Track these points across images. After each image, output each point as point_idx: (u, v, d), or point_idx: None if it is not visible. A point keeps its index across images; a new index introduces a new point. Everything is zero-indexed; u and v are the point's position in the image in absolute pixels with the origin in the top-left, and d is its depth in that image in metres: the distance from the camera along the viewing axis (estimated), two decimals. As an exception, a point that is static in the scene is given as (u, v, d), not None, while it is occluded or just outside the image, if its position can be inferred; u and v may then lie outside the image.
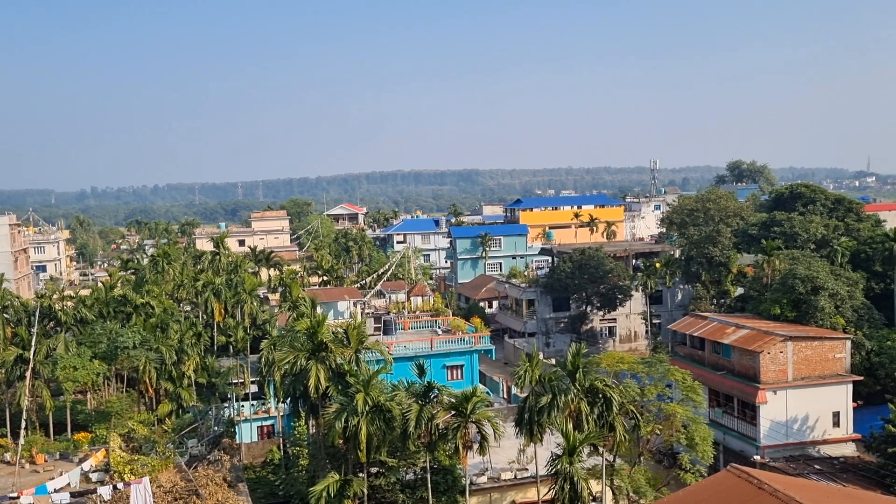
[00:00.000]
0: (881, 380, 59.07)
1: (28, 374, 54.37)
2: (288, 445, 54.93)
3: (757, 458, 51.07)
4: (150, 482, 43.64)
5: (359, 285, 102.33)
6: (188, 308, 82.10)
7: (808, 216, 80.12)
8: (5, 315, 62.13)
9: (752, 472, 26.35)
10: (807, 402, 53.39)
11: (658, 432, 47.85)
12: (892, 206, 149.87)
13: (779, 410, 52.81)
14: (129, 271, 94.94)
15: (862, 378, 55.97)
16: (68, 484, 45.83)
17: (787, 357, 53.74)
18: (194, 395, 60.93)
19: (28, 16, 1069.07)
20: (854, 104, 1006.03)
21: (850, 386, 54.12)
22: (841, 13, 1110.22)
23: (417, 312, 75.94)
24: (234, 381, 62.87)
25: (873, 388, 58.85)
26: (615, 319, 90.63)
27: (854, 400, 54.62)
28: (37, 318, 58.69)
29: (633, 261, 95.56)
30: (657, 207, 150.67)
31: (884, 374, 59.07)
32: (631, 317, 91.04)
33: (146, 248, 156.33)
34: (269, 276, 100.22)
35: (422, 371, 44.55)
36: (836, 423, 53.67)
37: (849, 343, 55.71)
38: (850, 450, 53.14)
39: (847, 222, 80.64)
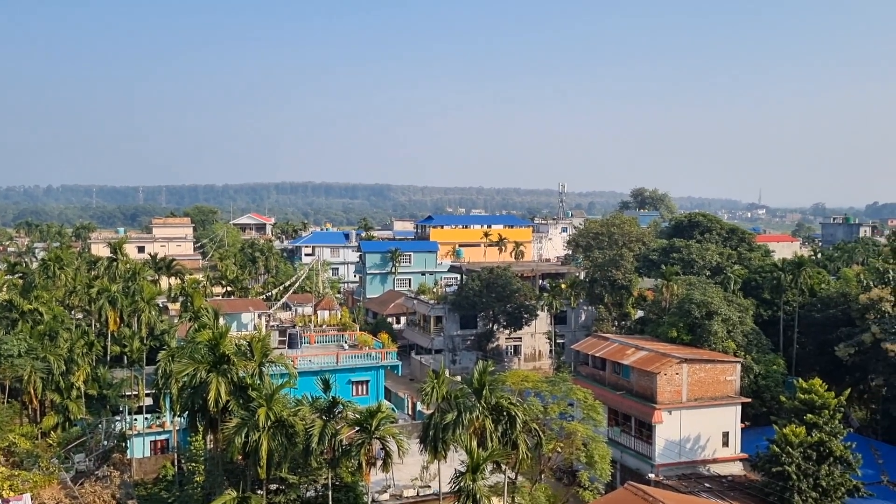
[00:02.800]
0: (767, 402, 62.30)
1: None
2: (183, 461, 52.83)
3: (651, 476, 52.69)
4: (32, 499, 41.17)
5: (264, 297, 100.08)
6: (80, 316, 78.24)
7: (705, 244, 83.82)
8: None
9: (647, 490, 27.26)
10: (699, 422, 55.61)
11: (559, 450, 48.72)
12: (780, 237, 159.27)
13: (673, 430, 54.76)
14: (17, 275, 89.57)
15: (750, 400, 58.88)
16: (-63, 501, 42.55)
17: (683, 378, 55.85)
18: (83, 408, 57.97)
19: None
20: (747, 138, 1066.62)
21: (739, 407, 56.76)
22: (735, 48, 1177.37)
23: (324, 326, 74.79)
24: (127, 394, 60.13)
25: (759, 409, 62.04)
26: (521, 338, 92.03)
27: (742, 421, 57.33)
28: None
29: (540, 281, 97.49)
30: (564, 230, 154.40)
31: (769, 396, 62.33)
32: (536, 336, 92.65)
33: (36, 251, 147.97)
34: (170, 284, 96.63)
35: (327, 386, 43.81)
36: (726, 443, 56.09)
37: (739, 366, 58.45)
38: (737, 469, 55.63)
39: (740, 251, 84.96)
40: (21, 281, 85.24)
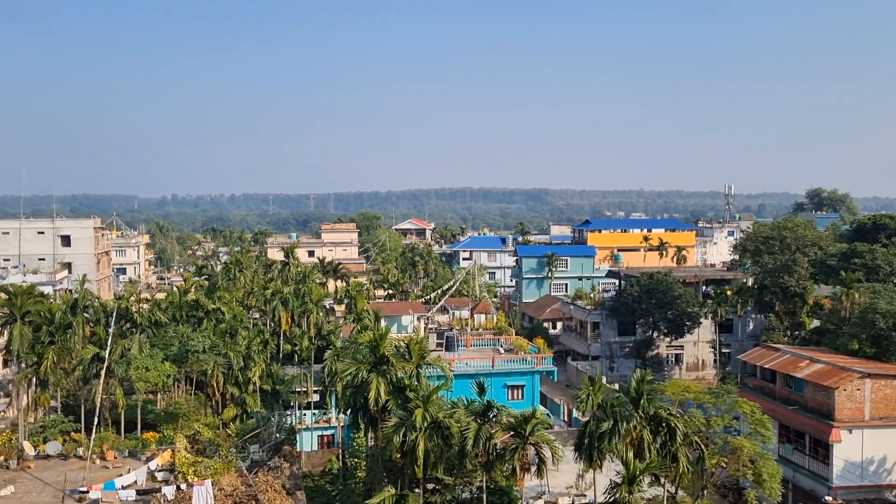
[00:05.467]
0: (967, 424, 55.87)
1: (103, 372, 56.42)
2: (347, 456, 55.40)
3: (828, 498, 48.98)
4: (213, 485, 44.59)
5: (423, 300, 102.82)
6: (257, 315, 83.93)
7: (892, 248, 76.96)
8: (85, 314, 64.71)
9: (821, 515, 25.31)
10: (885, 443, 50.98)
11: (723, 466, 46.45)
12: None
13: (854, 450, 50.55)
14: (203, 277, 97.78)
15: (946, 421, 53.10)
16: (135, 482, 47.19)
17: (865, 395, 51.45)
18: (258, 401, 62.13)
19: (120, 25, 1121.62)
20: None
21: (933, 429, 51.40)
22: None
23: (480, 330, 75.68)
24: (297, 390, 63.83)
25: (958, 432, 55.70)
26: (682, 347, 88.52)
27: (937, 444, 51.82)
28: (114, 318, 60.90)
29: (704, 287, 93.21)
30: (731, 233, 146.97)
31: (971, 418, 55.87)
32: (699, 345, 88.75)
33: (220, 255, 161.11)
34: (336, 287, 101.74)
35: (482, 389, 44.38)
36: (917, 468, 51.01)
37: (932, 384, 52.96)
38: (930, 497, 50.41)
39: (934, 256, 76.97)
40: (206, 282, 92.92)
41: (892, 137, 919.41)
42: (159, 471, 49.88)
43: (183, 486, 45.14)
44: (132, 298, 75.50)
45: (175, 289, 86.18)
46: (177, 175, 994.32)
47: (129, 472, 48.57)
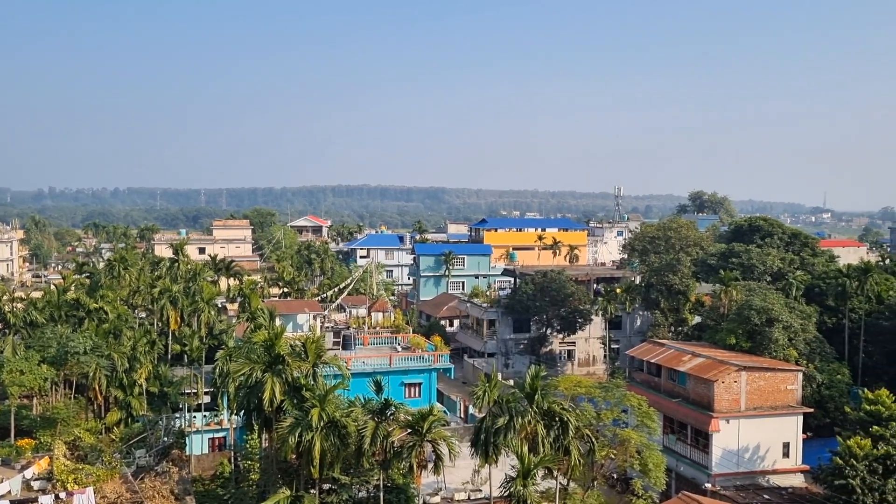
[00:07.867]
0: (830, 413, 60.32)
1: (-28, 376, 52.73)
2: (239, 459, 53.92)
3: (708, 485, 51.61)
4: (94, 492, 42.65)
5: (319, 298, 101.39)
6: (143, 315, 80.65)
7: (766, 249, 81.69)
8: (-49, 315, 60.32)
9: (703, 500, 26.68)
10: (758, 431, 54.25)
11: (612, 457, 48.16)
12: (846, 242, 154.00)
13: (731, 439, 53.53)
14: (84, 275, 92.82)
15: (812, 410, 57.15)
16: (9, 492, 44.50)
17: (741, 387, 54.56)
18: (145, 404, 59.69)
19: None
20: (811, 139, 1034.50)
21: (801, 418, 55.16)
22: (803, 54, 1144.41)
23: (378, 328, 75.32)
24: (186, 391, 61.63)
25: (822, 420, 60.10)
26: (574, 343, 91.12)
27: (804, 431, 55.68)
28: (-16, 319, 57.08)
29: (595, 285, 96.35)
30: (620, 233, 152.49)
31: (833, 406, 60.34)
32: (590, 341, 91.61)
33: (103, 251, 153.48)
34: (229, 285, 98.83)
35: (379, 388, 44.22)
36: (786, 454, 54.58)
37: (800, 375, 56.81)
38: (798, 480, 54.03)
39: (803, 256, 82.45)
40: (88, 280, 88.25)
41: (767, 145, 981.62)
42: (36, 479, 47.15)
43: (62, 495, 42.89)
44: (5, 297, 70.90)
45: (53, 287, 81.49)
46: (54, 167, 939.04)
47: (1, 481, 45.62)
